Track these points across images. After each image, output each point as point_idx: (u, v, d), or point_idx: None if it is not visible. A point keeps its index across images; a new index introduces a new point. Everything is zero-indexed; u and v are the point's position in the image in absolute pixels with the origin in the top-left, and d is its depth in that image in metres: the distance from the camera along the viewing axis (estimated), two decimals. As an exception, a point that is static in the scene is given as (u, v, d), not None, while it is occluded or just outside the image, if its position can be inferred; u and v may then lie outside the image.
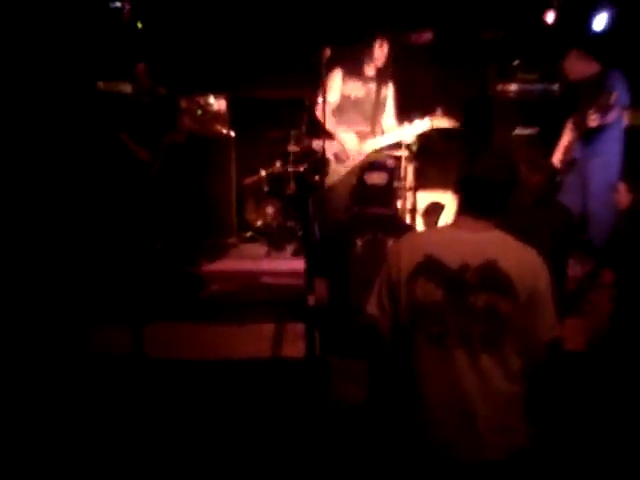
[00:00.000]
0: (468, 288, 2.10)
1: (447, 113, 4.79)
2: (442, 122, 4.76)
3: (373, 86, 4.89)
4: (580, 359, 3.38)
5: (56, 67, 5.29)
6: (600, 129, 4.66)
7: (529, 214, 3.31)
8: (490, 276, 2.09)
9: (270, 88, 6.62)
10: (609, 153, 4.79)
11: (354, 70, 4.89)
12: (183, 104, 6.17)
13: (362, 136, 4.87)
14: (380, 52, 4.83)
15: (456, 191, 2.26)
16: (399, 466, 2.27)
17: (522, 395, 2.18)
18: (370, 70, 4.91)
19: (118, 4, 5.71)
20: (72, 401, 3.49)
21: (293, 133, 6.32)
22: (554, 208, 3.64)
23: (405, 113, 5.04)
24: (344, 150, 4.85)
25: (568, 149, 4.85)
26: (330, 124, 4.81)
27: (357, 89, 4.88)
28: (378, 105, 4.89)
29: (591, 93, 4.74)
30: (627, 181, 3.70)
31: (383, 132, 5.04)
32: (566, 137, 4.94)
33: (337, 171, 4.93)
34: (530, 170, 3.42)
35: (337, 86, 4.87)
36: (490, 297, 2.08)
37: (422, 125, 4.80)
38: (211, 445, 3.34)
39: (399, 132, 4.85)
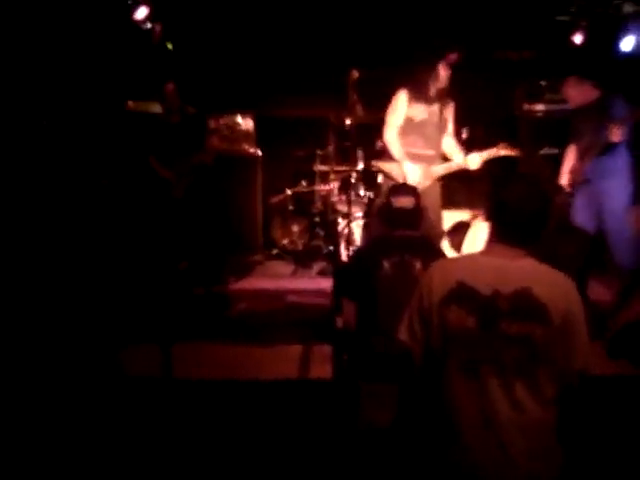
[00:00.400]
0: (500, 315, 2.08)
1: (510, 145, 4.79)
2: (507, 151, 4.74)
3: (436, 108, 4.80)
4: (606, 384, 3.33)
5: (88, 87, 5.39)
6: (609, 150, 4.65)
7: (551, 238, 3.28)
8: (523, 303, 2.07)
9: (296, 107, 6.69)
10: (622, 172, 4.75)
11: (418, 92, 4.77)
12: (211, 124, 6.25)
13: (425, 160, 4.77)
14: (444, 74, 4.75)
15: (487, 218, 2.25)
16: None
17: (555, 423, 2.15)
18: (433, 92, 4.79)
19: (149, 25, 5.80)
20: (102, 424, 3.51)
21: (319, 152, 6.38)
22: (574, 231, 3.60)
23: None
24: (406, 179, 4.76)
25: (575, 171, 4.85)
26: (396, 150, 4.76)
27: (421, 111, 4.77)
28: (440, 127, 4.82)
29: (592, 117, 4.74)
30: None
31: (443, 154, 4.96)
32: (570, 160, 4.94)
33: None
34: (551, 193, 3.38)
35: (402, 108, 4.77)
36: (523, 325, 2.07)
37: (489, 154, 4.76)
38: (240, 466, 3.34)
39: (466, 160, 4.79)
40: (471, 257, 2.37)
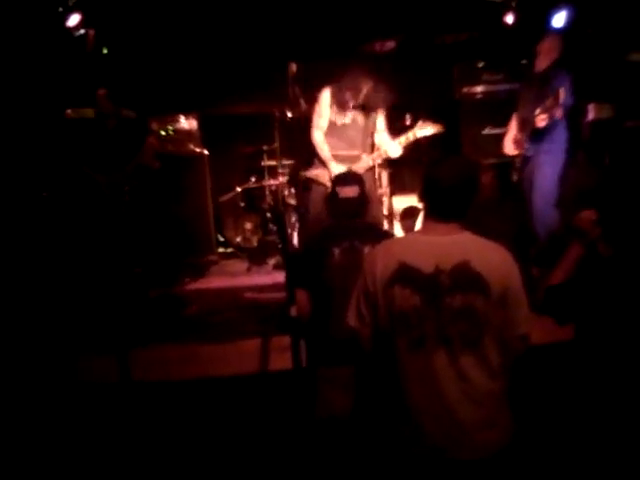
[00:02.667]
0: (443, 290, 2.15)
1: (427, 120, 4.82)
2: (426, 130, 4.78)
3: (361, 114, 4.81)
4: (543, 352, 3.43)
5: (24, 97, 5.29)
6: (546, 128, 4.76)
7: (480, 216, 3.35)
8: (463, 276, 2.15)
9: (239, 105, 6.68)
10: (555, 151, 4.89)
11: (341, 99, 4.77)
12: (154, 126, 6.19)
13: (349, 160, 4.79)
14: (365, 86, 4.71)
15: (420, 198, 2.33)
16: (391, 472, 2.30)
17: (504, 391, 2.23)
18: (355, 102, 4.78)
19: (83, 31, 5.71)
20: (66, 431, 3.48)
21: (266, 148, 6.39)
22: (505, 209, 3.68)
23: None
24: None
25: (517, 141, 4.98)
26: (324, 151, 4.80)
27: (342, 116, 4.79)
28: (367, 129, 4.84)
29: (537, 90, 4.86)
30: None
31: (371, 149, 4.98)
32: (512, 129, 5.07)
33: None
34: (483, 172, 3.46)
35: (326, 111, 4.80)
36: (465, 297, 2.14)
37: (407, 139, 4.81)
38: (206, 463, 3.35)
39: (385, 151, 4.84)
40: (410, 237, 2.45)
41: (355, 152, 4.84)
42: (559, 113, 4.67)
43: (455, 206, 2.24)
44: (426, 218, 2.32)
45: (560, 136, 4.89)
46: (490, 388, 2.18)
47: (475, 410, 2.15)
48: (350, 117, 4.81)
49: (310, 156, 4.96)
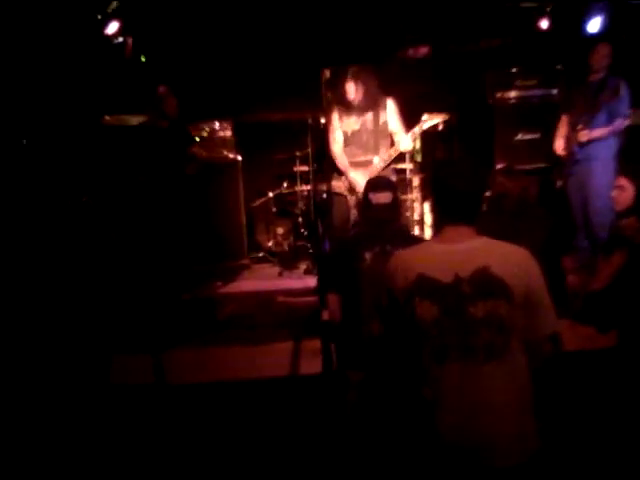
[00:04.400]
0: (465, 299, 2.13)
1: (433, 111, 4.84)
2: (431, 121, 4.81)
3: (370, 116, 4.90)
4: (577, 358, 3.38)
5: (64, 104, 5.41)
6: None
7: (510, 222, 3.34)
8: (484, 282, 2.12)
9: (273, 111, 6.74)
10: (607, 156, 4.88)
11: (346, 106, 4.94)
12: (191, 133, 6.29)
13: (366, 165, 4.90)
14: (353, 88, 4.86)
15: (433, 205, 2.31)
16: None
17: (531, 397, 2.20)
18: (361, 103, 4.92)
19: (121, 39, 5.83)
20: (98, 433, 3.54)
21: (298, 154, 6.43)
22: (536, 216, 3.65)
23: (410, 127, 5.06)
24: (356, 187, 4.87)
25: (569, 139, 5.01)
26: (342, 163, 4.94)
27: (352, 123, 4.94)
28: (378, 133, 4.91)
29: (588, 93, 4.87)
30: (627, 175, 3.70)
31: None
32: (564, 127, 5.12)
33: (350, 199, 4.96)
34: (507, 179, 3.46)
35: (337, 126, 4.98)
36: (488, 304, 2.11)
37: (414, 132, 4.85)
38: (238, 465, 3.38)
39: (397, 145, 4.89)
40: (427, 246, 2.42)
41: (370, 157, 4.94)
42: (606, 131, 4.81)
43: (469, 209, 2.22)
44: (440, 224, 2.29)
45: (610, 141, 4.89)
46: (516, 397, 2.15)
47: (501, 419, 2.13)
48: (359, 122, 4.93)
49: (331, 168, 5.07)
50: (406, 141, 4.85)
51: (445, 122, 4.99)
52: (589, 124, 4.85)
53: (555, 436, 2.36)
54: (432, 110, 4.85)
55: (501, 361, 2.12)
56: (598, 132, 4.85)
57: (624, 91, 4.80)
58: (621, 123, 4.86)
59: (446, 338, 2.14)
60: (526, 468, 2.15)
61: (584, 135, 4.84)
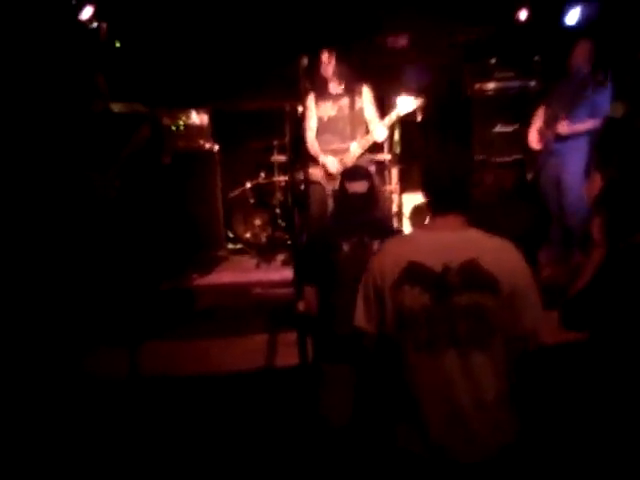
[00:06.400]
0: (452, 289, 2.12)
1: (407, 96, 4.81)
2: (406, 106, 4.77)
3: (345, 102, 4.89)
4: (558, 352, 3.39)
5: (34, 89, 5.28)
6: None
7: (487, 215, 3.33)
8: (472, 274, 2.12)
9: (250, 100, 6.65)
10: (583, 149, 4.89)
11: (323, 91, 4.94)
12: (166, 121, 6.19)
13: (341, 152, 4.89)
14: (329, 66, 4.85)
15: (424, 193, 2.29)
16: (393, 473, 2.29)
17: (511, 390, 2.20)
18: (337, 88, 4.93)
19: (95, 24, 5.72)
20: (73, 426, 3.49)
21: (276, 143, 6.37)
22: (515, 208, 3.66)
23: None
24: (329, 172, 4.85)
25: (542, 133, 5.03)
26: (313, 150, 4.94)
27: (328, 109, 4.93)
28: (354, 120, 4.88)
29: (568, 88, 4.87)
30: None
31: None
32: (539, 120, 5.14)
33: (327, 188, 4.94)
34: (483, 171, 3.46)
35: (313, 110, 4.97)
36: (474, 295, 2.11)
37: (390, 119, 4.82)
38: (212, 458, 3.35)
39: (372, 134, 4.87)
40: (417, 234, 2.42)
41: (346, 145, 4.91)
42: (585, 125, 4.83)
43: (458, 198, 2.21)
44: (431, 212, 2.28)
45: (587, 136, 4.90)
46: (498, 388, 2.15)
47: (481, 410, 2.13)
48: (335, 108, 4.91)
49: (308, 156, 5.03)
50: (381, 130, 4.84)
51: (423, 113, 4.95)
52: (570, 117, 4.84)
53: (530, 430, 2.36)
54: (407, 93, 4.83)
55: (484, 352, 2.12)
56: (580, 126, 4.85)
57: (608, 87, 4.79)
58: (602, 120, 4.85)
59: (433, 327, 2.13)
60: (498, 461, 2.15)
61: (565, 127, 4.83)
